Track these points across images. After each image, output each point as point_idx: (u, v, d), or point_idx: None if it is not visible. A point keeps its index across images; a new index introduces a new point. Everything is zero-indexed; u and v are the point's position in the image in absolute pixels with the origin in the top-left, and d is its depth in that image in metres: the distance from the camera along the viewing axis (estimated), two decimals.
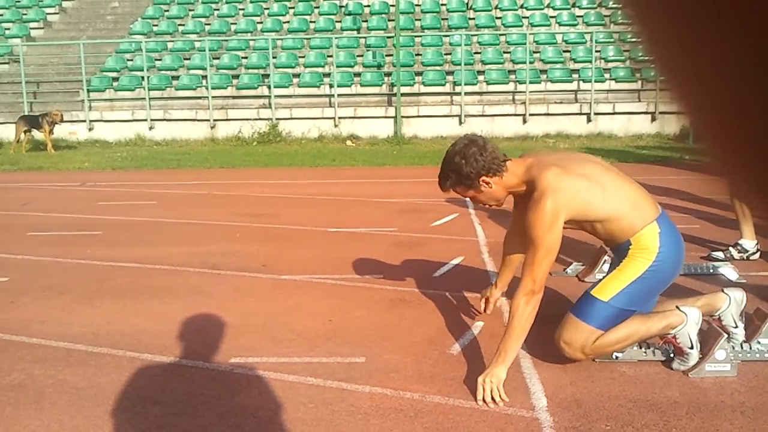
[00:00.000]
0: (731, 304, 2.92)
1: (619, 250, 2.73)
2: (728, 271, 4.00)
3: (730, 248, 4.37)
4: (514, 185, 2.78)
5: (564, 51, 14.24)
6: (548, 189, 2.58)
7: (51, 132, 12.24)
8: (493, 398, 2.46)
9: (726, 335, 2.73)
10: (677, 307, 2.76)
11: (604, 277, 2.78)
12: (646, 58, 0.25)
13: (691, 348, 2.69)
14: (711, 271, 4.06)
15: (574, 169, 2.69)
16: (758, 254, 4.34)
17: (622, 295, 2.64)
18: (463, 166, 2.71)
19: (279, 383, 2.68)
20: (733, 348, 2.79)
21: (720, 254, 4.36)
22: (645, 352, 2.82)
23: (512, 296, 2.66)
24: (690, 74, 0.24)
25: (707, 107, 0.24)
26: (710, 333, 2.75)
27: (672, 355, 2.77)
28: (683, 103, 0.25)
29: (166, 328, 3.32)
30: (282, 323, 3.38)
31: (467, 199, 2.93)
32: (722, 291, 2.99)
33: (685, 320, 2.70)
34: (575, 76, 13.63)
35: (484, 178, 2.73)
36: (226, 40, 15.20)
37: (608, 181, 2.71)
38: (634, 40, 0.26)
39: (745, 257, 4.32)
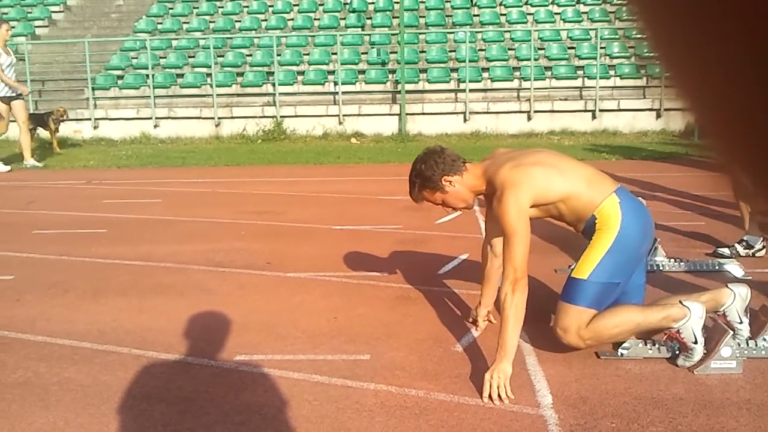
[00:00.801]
0: (736, 299, 2.92)
1: (587, 228, 2.82)
2: (734, 268, 3.99)
3: (736, 245, 4.36)
4: (478, 185, 2.97)
5: (569, 48, 14.19)
6: (506, 183, 2.76)
7: (57, 130, 12.27)
8: (499, 395, 2.47)
9: (731, 332, 2.73)
10: (680, 301, 2.77)
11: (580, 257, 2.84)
12: (651, 55, 0.25)
13: (695, 343, 2.69)
14: (716, 267, 4.05)
15: (526, 160, 2.87)
16: (764, 251, 4.33)
17: (600, 269, 2.72)
18: (424, 170, 2.97)
19: (284, 380, 2.69)
20: (739, 345, 2.78)
21: (725, 251, 4.35)
22: (650, 349, 2.82)
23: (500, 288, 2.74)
24: (695, 71, 0.24)
25: (712, 104, 0.24)
26: (715, 329, 2.75)
27: (677, 352, 2.77)
28: (688, 100, 0.25)
29: (171, 326, 3.33)
30: (287, 320, 3.38)
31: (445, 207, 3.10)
32: (726, 287, 2.98)
33: (689, 314, 2.71)
34: (580, 72, 13.59)
35: (446, 177, 2.94)
36: (231, 38, 15.19)
37: (561, 163, 2.88)
38: (639, 37, 0.26)
39: (750, 254, 4.31)
